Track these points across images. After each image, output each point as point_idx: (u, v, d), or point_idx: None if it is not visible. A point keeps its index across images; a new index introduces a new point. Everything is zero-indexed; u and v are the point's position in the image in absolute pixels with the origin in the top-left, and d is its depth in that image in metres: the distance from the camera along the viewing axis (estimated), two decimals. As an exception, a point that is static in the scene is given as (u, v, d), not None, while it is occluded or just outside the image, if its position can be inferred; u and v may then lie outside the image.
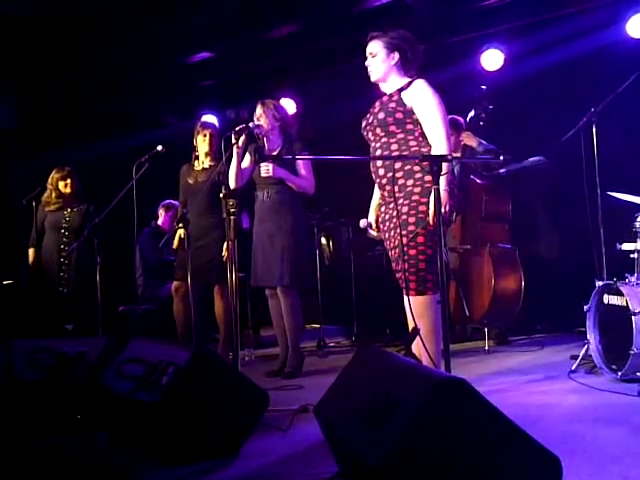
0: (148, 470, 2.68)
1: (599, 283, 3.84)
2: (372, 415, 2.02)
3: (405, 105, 3.44)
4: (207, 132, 4.89)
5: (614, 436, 2.70)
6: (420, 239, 3.36)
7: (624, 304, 3.59)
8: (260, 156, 4.40)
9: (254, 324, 5.95)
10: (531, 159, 5.18)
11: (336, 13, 5.81)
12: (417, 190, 3.38)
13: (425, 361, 3.20)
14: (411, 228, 3.36)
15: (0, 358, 3.16)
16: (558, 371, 4.02)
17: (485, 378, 4.00)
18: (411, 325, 3.29)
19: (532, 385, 3.80)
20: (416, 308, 3.29)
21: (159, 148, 4.35)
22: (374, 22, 4.39)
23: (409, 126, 3.44)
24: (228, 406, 2.76)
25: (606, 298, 3.77)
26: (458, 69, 5.98)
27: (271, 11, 5.71)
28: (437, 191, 2.95)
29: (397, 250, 3.41)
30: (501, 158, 3.57)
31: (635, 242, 3.80)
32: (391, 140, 3.46)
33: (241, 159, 4.41)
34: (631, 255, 3.82)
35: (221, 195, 3.78)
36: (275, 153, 4.42)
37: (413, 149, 3.41)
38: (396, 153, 3.42)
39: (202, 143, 4.89)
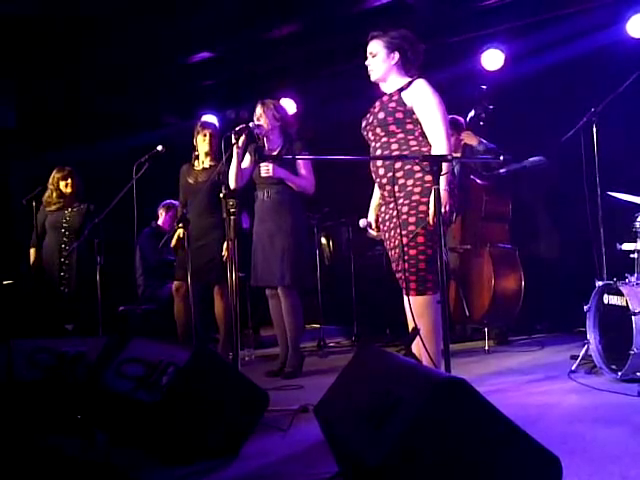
0: (148, 470, 2.68)
1: (599, 283, 3.84)
2: (372, 415, 2.02)
3: (405, 105, 3.43)
4: (207, 132, 4.89)
5: (614, 436, 2.69)
6: (420, 239, 3.36)
7: (624, 304, 3.58)
8: (260, 156, 4.40)
9: (254, 324, 5.95)
10: (531, 159, 5.17)
11: (336, 13, 5.81)
12: (417, 190, 3.38)
13: (425, 361, 3.20)
14: (411, 228, 3.36)
15: (0, 358, 3.16)
16: (558, 371, 4.02)
17: (485, 378, 4.00)
18: (411, 325, 3.29)
19: (532, 385, 3.80)
20: (416, 308, 3.29)
21: (159, 148, 4.35)
22: (374, 22, 4.38)
23: (409, 126, 3.44)
24: (228, 406, 2.76)
25: (606, 298, 3.77)
26: (458, 69, 5.98)
27: (271, 11, 5.71)
28: (437, 191, 2.95)
29: (397, 250, 3.41)
30: (501, 158, 3.56)
31: (635, 242, 3.80)
32: (391, 140, 3.45)
33: (241, 159, 4.41)
34: (631, 255, 3.82)
35: (221, 195, 3.77)
36: (275, 153, 4.42)
37: (413, 149, 3.41)
38: (396, 153, 3.42)
39: (202, 143, 4.89)
